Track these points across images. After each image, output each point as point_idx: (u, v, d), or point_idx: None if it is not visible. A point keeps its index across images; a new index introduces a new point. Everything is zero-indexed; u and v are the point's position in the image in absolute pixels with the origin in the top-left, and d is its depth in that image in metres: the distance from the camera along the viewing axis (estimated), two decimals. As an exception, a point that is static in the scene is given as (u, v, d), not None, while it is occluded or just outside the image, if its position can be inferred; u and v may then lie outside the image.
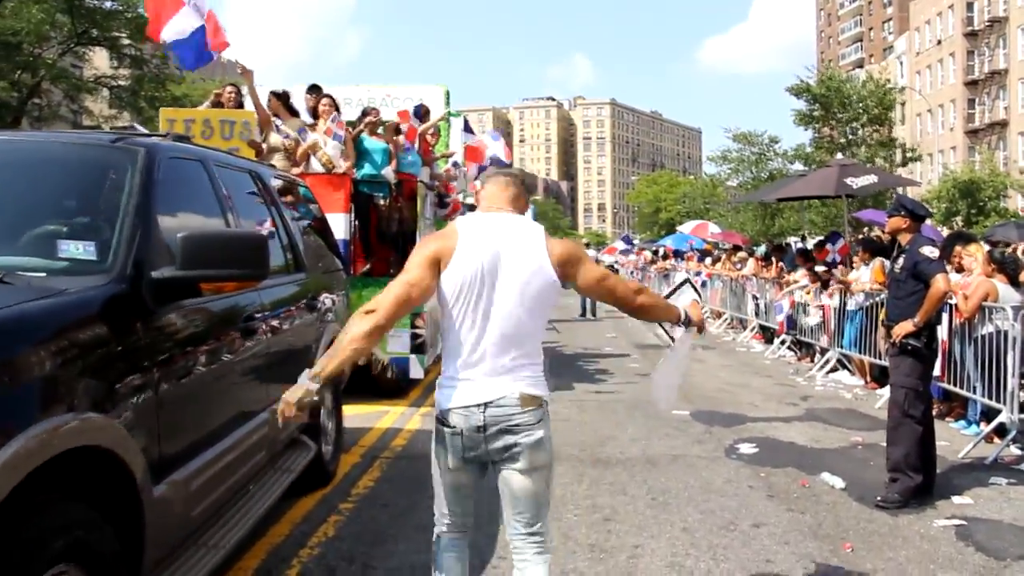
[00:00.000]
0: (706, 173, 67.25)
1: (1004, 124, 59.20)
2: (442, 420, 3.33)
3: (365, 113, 10.76)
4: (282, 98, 10.02)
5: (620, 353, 15.12)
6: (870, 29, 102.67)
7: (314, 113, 10.30)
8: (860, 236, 15.95)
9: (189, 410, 3.76)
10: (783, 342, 15.14)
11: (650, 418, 9.21)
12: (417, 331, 9.78)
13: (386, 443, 7.83)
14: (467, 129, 14.42)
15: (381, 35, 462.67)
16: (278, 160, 9.27)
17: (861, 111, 40.45)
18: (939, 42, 66.53)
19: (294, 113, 10.14)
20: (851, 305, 12.01)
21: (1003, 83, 59.68)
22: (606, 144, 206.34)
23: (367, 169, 10.37)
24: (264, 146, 9.47)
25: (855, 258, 12.38)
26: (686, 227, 30.95)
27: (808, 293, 13.65)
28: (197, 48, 8.76)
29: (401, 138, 11.09)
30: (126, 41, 30.75)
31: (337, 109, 10.15)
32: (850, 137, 41.45)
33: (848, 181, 12.96)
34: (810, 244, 20.10)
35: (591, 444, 7.95)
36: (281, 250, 5.46)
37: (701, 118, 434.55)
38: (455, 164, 13.39)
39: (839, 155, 26.20)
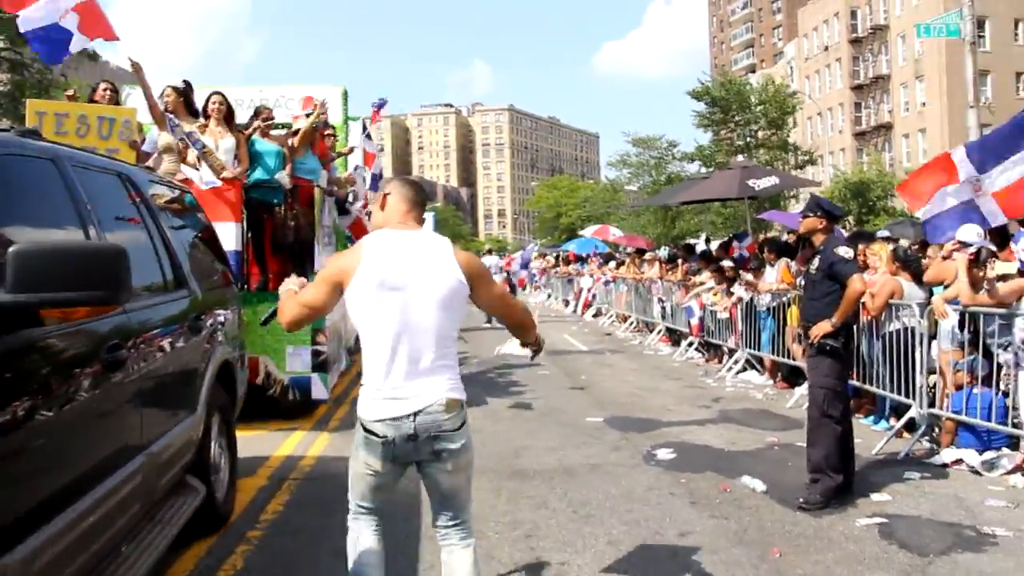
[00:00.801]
0: (606, 177, 67.86)
1: (889, 126, 61.51)
2: (369, 431, 3.44)
3: (257, 113, 10.05)
4: (183, 93, 9.34)
5: (528, 360, 14.93)
6: (760, 35, 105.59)
7: (204, 113, 9.50)
8: (763, 237, 16.12)
9: (29, 469, 2.96)
10: (691, 344, 15.20)
11: (564, 426, 9.07)
12: (319, 347, 9.16)
13: (293, 464, 7.46)
14: (366, 134, 13.97)
15: (278, 38, 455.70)
16: (168, 163, 8.72)
17: (760, 115, 41.40)
18: (826, 48, 68.66)
19: (194, 112, 9.46)
20: (759, 306, 12.09)
21: (886, 87, 61.99)
22: (505, 150, 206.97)
23: (259, 174, 9.66)
24: (158, 146, 8.87)
25: (764, 256, 12.46)
26: (588, 231, 31.10)
27: (716, 295, 13.71)
28: (57, 41, 7.97)
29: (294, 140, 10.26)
30: (1, 45, 29.38)
31: (230, 110, 9.48)
32: (748, 140, 42.33)
33: (750, 183, 13.08)
34: (713, 246, 20.29)
35: (506, 455, 7.74)
36: (157, 265, 4.78)
37: (599, 123, 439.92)
38: (356, 168, 12.78)
39: (740, 157, 26.60)
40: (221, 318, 5.82)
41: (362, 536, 3.67)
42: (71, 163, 3.98)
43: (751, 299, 12.33)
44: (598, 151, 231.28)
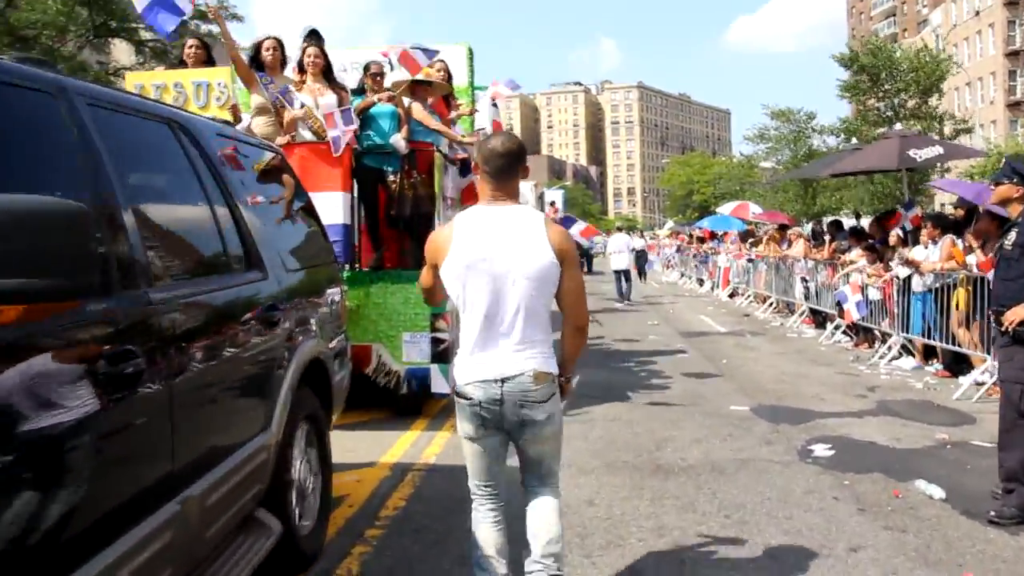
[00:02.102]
0: (741, 153, 65.71)
1: (1047, 96, 57.47)
2: (461, 394, 3.57)
3: (367, 70, 8.77)
4: (283, 47, 8.33)
5: (667, 344, 14.25)
6: (903, 2, 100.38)
7: (300, 67, 8.39)
8: (924, 211, 14.81)
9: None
10: (838, 327, 14.21)
11: (707, 415, 8.40)
12: (439, 335, 8.06)
13: (413, 459, 7.03)
14: (494, 104, 13.16)
15: (403, 26, 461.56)
16: (264, 127, 7.97)
17: (911, 81, 38.62)
18: (977, 13, 64.65)
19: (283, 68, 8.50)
20: (917, 287, 11.08)
21: (1046, 53, 57.91)
22: (634, 128, 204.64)
23: (372, 138, 8.60)
24: (251, 107, 8.10)
25: (922, 234, 11.41)
26: (725, 208, 29.78)
27: (870, 277, 12.69)
28: (167, 10, 7.45)
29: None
30: (146, 34, 30.09)
31: (328, 64, 8.39)
32: (898, 110, 39.67)
33: (911, 153, 11.95)
34: (864, 222, 19.06)
35: (647, 448, 7.13)
36: (218, 240, 3.81)
37: (730, 99, 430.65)
38: (482, 131, 11.04)
39: (898, 125, 24.87)
40: (315, 305, 4.94)
41: (481, 525, 3.72)
42: (87, 100, 2.97)
43: (908, 279, 11.33)
44: (729, 128, 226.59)
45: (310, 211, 5.51)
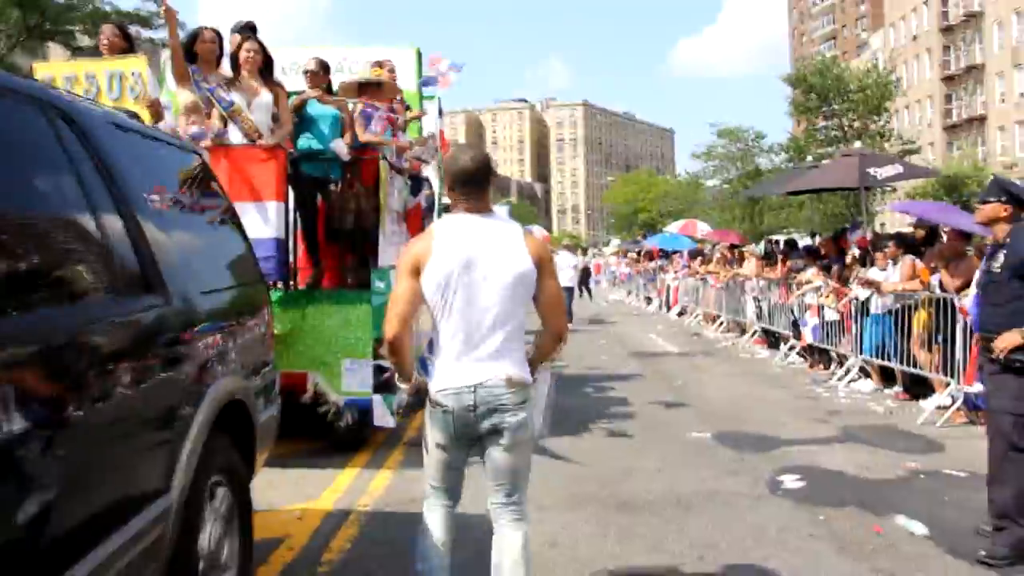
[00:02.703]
0: (686, 171, 66.05)
1: (983, 119, 58.55)
2: (435, 401, 3.56)
3: (305, 69, 8.00)
4: (218, 41, 7.43)
5: (618, 365, 13.90)
6: (843, 26, 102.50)
7: (234, 62, 7.42)
8: (871, 232, 14.63)
9: None
10: (791, 347, 13.99)
11: (668, 442, 8.03)
12: (383, 363, 7.00)
13: (348, 507, 6.53)
14: (440, 113, 12.58)
15: (346, 27, 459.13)
16: (191, 127, 6.98)
17: (859, 101, 38.85)
18: (915, 38, 65.93)
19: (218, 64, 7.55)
20: (876, 307, 10.85)
21: (980, 78, 59.06)
22: (579, 145, 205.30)
23: (310, 142, 7.74)
24: (181, 106, 7.21)
25: (879, 255, 11.20)
26: (673, 226, 29.67)
27: (827, 297, 12.47)
28: None
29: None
30: (84, 39, 29.07)
31: (267, 60, 7.45)
32: (845, 129, 39.90)
33: (871, 171, 11.78)
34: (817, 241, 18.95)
35: (610, 479, 6.71)
36: (101, 256, 3.01)
37: (674, 119, 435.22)
38: (430, 137, 10.36)
39: (857, 143, 24.84)
40: (235, 333, 4.07)
41: (432, 519, 3.70)
42: None
43: (866, 300, 11.11)
44: (673, 147, 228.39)
45: (234, 223, 4.69)
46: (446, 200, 18.24)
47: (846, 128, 39.57)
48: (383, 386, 7.08)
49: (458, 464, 3.71)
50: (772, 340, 15.80)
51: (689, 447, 7.86)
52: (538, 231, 21.68)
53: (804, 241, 19.57)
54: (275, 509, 5.79)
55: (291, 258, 7.69)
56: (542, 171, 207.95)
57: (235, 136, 7.24)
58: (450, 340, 3.52)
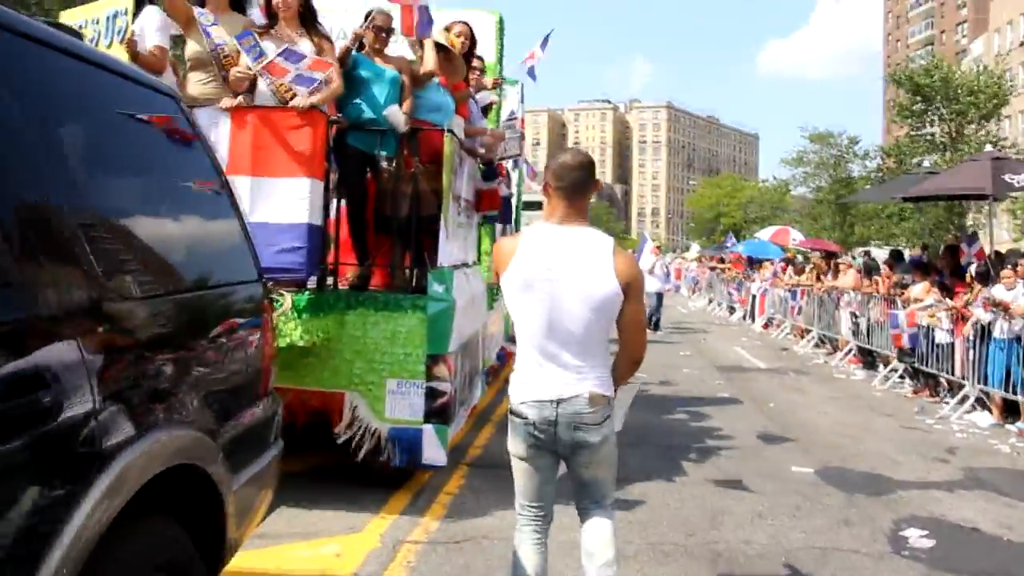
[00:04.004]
0: (774, 177, 64.05)
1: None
2: (515, 412, 3.48)
3: (368, 18, 6.51)
4: None
5: (703, 379, 12.88)
6: (942, 32, 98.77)
7: (268, 9, 6.11)
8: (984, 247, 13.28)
9: None
10: (894, 370, 12.81)
11: (766, 478, 7.05)
12: (437, 385, 5.83)
13: (411, 524, 5.69)
14: (522, 99, 11.57)
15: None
16: (198, 85, 5.94)
17: (970, 104, 36.41)
18: (1022, 44, 62.99)
19: (240, 8, 6.28)
20: (1000, 332, 9.69)
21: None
22: (661, 148, 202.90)
23: (361, 109, 6.33)
24: (186, 57, 6.08)
25: (1005, 272, 10.02)
26: (764, 233, 28.30)
27: (932, 316, 11.32)
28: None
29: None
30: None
31: (308, 6, 6.13)
32: (954, 135, 37.48)
33: (1008, 178, 10.54)
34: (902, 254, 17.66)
35: (699, 526, 5.75)
36: None
37: (759, 123, 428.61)
38: (510, 122, 9.15)
39: (988, 147, 23.11)
40: (187, 360, 2.80)
41: (522, 546, 3.59)
42: None
43: (989, 323, 9.95)
44: (757, 152, 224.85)
45: (223, 199, 3.41)
46: (527, 197, 17.35)
47: (953, 134, 37.10)
48: (436, 414, 5.86)
49: (545, 475, 3.57)
50: (869, 360, 14.64)
51: (791, 486, 6.87)
52: (649, 244, 20.43)
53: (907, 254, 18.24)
54: (307, 541, 5.00)
55: (330, 250, 6.29)
56: (623, 173, 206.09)
57: (265, 94, 5.88)
58: (531, 351, 3.45)
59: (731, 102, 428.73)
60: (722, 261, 32.56)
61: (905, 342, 11.83)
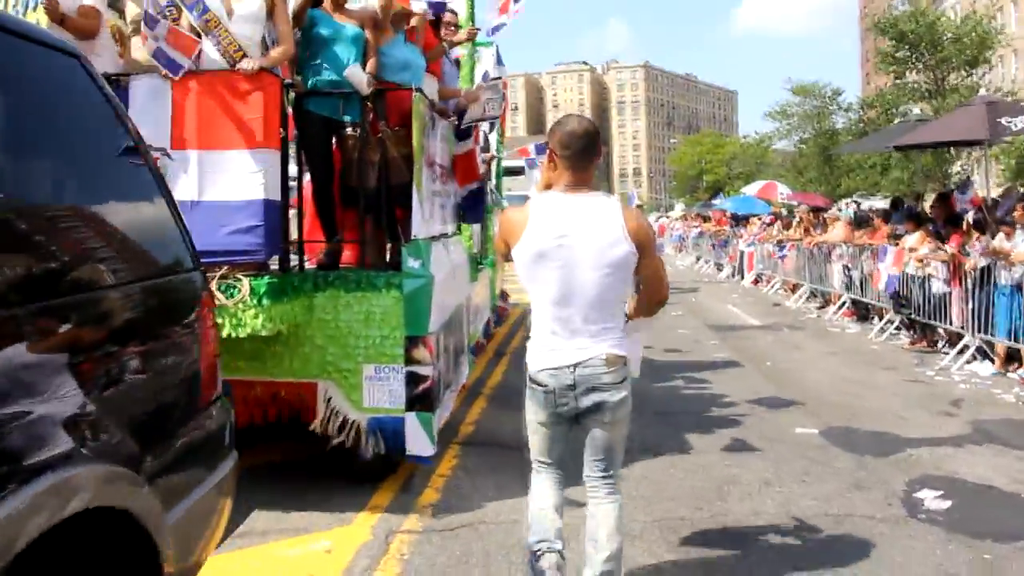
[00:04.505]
0: (755, 132, 63.67)
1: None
2: (534, 380, 3.56)
3: None
4: None
5: (697, 339, 12.61)
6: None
7: None
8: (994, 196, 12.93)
9: None
10: (890, 321, 12.59)
11: (771, 441, 6.82)
12: (418, 369, 5.37)
13: (403, 512, 5.41)
14: (499, 61, 11.12)
15: None
16: (142, 50, 5.35)
17: (955, 51, 35.81)
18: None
19: None
20: (1005, 280, 9.45)
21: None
22: (640, 108, 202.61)
23: (321, 70, 5.85)
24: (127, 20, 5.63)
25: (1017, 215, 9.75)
26: (751, 188, 27.89)
27: (920, 262, 11.12)
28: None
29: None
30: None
31: None
32: (939, 82, 36.87)
33: (1004, 121, 10.22)
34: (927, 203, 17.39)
35: (706, 495, 5.51)
36: None
37: (737, 81, 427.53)
38: (494, 82, 8.11)
39: (982, 91, 22.65)
40: (94, 378, 2.32)
41: (541, 487, 3.68)
42: None
43: (987, 271, 9.71)
44: (736, 109, 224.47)
45: (142, 173, 2.91)
46: (509, 163, 16.87)
47: (938, 81, 36.47)
48: (419, 400, 5.38)
49: (561, 438, 3.67)
50: (863, 312, 14.43)
51: (797, 450, 6.62)
52: (635, 202, 20.13)
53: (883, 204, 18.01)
54: (295, 537, 4.73)
55: (293, 228, 5.92)
56: (603, 134, 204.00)
57: (213, 56, 5.21)
58: (547, 319, 3.51)
59: (709, 61, 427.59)
60: (705, 220, 32.26)
61: (880, 285, 11.66)
